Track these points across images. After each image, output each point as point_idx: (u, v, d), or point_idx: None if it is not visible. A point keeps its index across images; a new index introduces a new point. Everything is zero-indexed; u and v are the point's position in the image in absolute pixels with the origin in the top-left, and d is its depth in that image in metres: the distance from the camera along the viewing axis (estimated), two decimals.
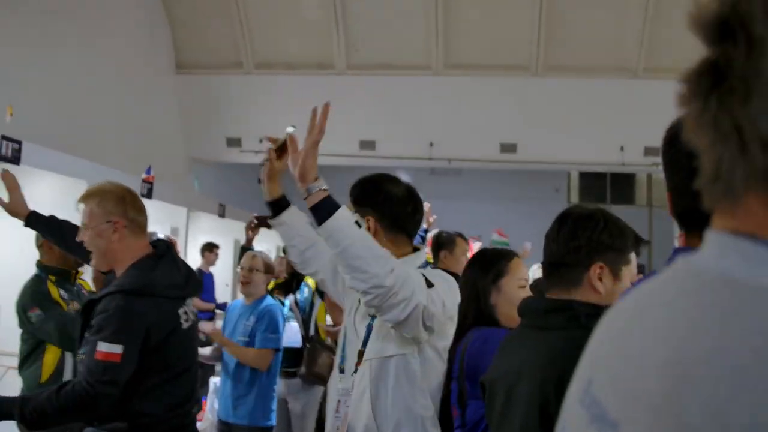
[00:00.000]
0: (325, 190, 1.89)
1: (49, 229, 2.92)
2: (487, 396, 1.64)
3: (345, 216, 1.89)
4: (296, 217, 2.35)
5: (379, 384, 2.07)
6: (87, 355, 2.12)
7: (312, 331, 4.66)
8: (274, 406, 4.02)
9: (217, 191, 12.58)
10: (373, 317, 2.13)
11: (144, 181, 6.25)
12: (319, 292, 4.64)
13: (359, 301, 2.15)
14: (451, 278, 2.20)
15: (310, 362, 4.42)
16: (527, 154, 11.28)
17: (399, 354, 2.06)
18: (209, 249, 7.80)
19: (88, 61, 8.44)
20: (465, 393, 2.07)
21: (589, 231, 1.57)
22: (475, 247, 6.81)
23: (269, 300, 4.09)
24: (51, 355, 3.30)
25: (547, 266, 1.64)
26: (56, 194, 4.90)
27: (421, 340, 2.04)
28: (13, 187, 2.93)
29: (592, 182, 17.97)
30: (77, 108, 8.09)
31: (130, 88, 9.53)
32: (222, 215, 8.54)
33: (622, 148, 10.82)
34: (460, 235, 4.48)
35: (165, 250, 2.38)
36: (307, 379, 4.48)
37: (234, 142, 11.56)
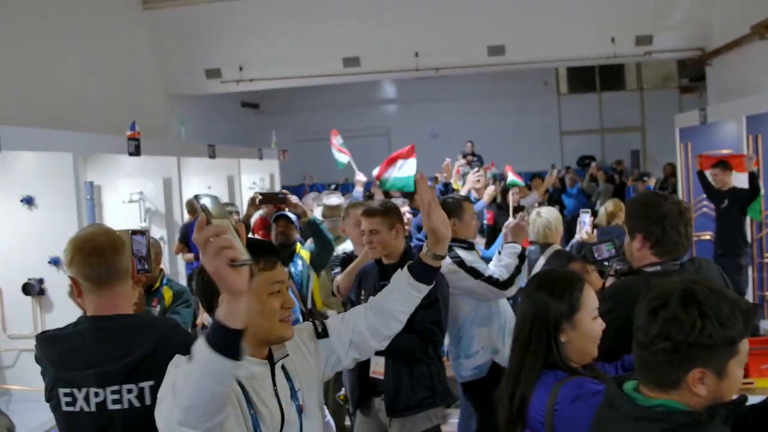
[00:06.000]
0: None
1: None
2: None
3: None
4: None
5: None
6: None
7: (309, 304, 4.66)
8: None
9: (204, 131, 12.23)
10: None
11: (129, 138, 5.96)
12: (314, 266, 4.66)
13: None
14: None
15: None
16: (516, 55, 10.93)
17: None
18: None
19: (50, 25, 7.93)
20: None
21: (684, 333, 1.32)
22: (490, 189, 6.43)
23: None
24: None
25: (638, 360, 1.42)
26: (43, 172, 4.76)
27: None
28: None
29: (581, 72, 17.61)
30: (45, 77, 7.67)
31: (97, 39, 9.04)
32: (213, 156, 8.25)
33: (613, 40, 10.45)
34: (467, 199, 4.28)
35: (85, 320, 2.08)
36: None
37: (213, 73, 11.12)
